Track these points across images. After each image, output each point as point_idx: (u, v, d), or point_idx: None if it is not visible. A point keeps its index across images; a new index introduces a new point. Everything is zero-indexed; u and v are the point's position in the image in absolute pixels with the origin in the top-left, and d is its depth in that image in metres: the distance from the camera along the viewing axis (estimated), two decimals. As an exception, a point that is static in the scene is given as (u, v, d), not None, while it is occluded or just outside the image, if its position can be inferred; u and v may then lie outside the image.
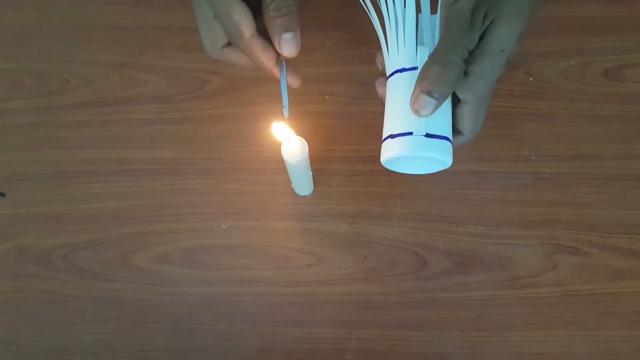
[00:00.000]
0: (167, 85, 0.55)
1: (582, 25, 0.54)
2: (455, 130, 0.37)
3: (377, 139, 0.52)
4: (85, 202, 0.51)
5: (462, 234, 0.48)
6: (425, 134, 0.33)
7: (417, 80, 0.33)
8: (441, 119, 0.34)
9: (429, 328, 0.46)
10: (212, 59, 0.40)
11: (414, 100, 0.32)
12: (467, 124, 0.36)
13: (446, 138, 0.34)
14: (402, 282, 0.47)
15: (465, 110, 0.36)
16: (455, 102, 0.36)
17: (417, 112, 0.33)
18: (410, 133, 0.34)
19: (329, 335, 0.46)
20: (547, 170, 0.50)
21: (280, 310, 0.47)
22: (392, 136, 0.35)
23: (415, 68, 0.35)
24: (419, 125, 0.33)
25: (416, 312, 0.46)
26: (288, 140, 0.40)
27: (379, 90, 0.39)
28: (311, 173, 0.47)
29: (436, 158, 0.34)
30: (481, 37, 0.32)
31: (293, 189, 0.50)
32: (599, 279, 0.46)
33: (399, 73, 0.36)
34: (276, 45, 0.34)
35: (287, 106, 0.36)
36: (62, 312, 0.48)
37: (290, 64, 0.38)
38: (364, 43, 0.55)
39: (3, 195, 0.52)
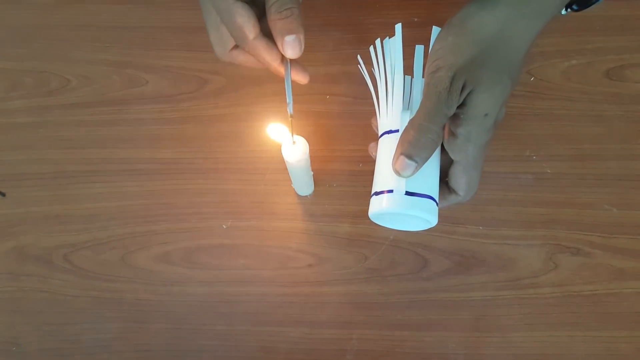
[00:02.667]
0: (168, 85, 0.55)
1: (584, 25, 0.54)
2: (451, 190, 0.39)
3: (377, 139, 0.52)
4: (86, 202, 0.51)
5: (463, 234, 0.48)
6: (405, 192, 0.34)
7: (398, 143, 0.34)
8: (424, 179, 0.35)
9: (430, 328, 0.46)
10: (215, 59, 0.40)
11: (395, 161, 0.34)
12: (461, 184, 0.37)
13: (429, 197, 0.35)
14: (403, 282, 0.47)
15: (458, 170, 0.37)
16: (449, 162, 0.37)
17: (397, 172, 0.34)
18: (391, 191, 0.35)
19: (330, 335, 0.46)
20: (549, 171, 0.50)
21: (281, 310, 0.47)
22: (376, 193, 0.36)
23: (397, 131, 0.37)
24: (399, 183, 0.35)
25: (417, 312, 0.46)
26: (285, 141, 0.40)
27: (372, 153, 0.41)
28: (312, 173, 0.47)
29: (416, 215, 0.35)
30: (464, 104, 0.33)
31: (294, 189, 0.50)
32: (600, 279, 0.46)
33: (387, 134, 0.38)
34: (279, 47, 0.34)
35: (291, 103, 0.37)
36: (62, 312, 0.48)
37: (297, 62, 0.38)
38: (365, 43, 0.55)
39: (3, 195, 0.52)
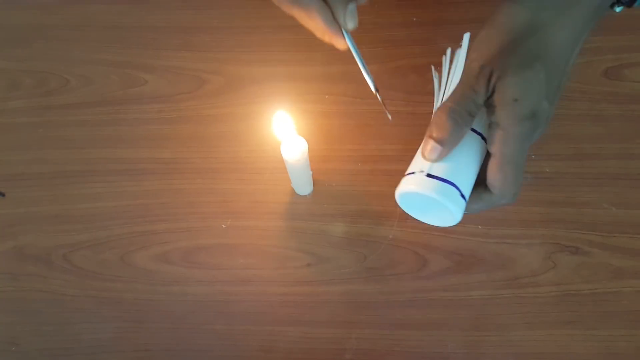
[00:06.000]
0: (167, 84, 0.55)
1: (582, 25, 0.54)
2: (486, 188, 0.37)
3: (376, 138, 0.52)
4: (85, 202, 0.51)
5: (462, 233, 0.48)
6: (426, 174, 0.35)
7: (428, 127, 0.35)
8: (453, 167, 0.35)
9: (429, 327, 0.46)
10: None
11: (423, 144, 0.35)
12: (493, 180, 0.36)
13: (451, 183, 0.34)
14: (402, 281, 0.47)
15: (492, 164, 0.35)
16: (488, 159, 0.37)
17: (423, 155, 0.35)
18: (413, 172, 0.36)
19: (329, 334, 0.46)
20: (547, 170, 0.50)
21: (280, 309, 0.47)
22: (403, 175, 0.37)
23: None
24: (423, 165, 0.35)
25: (416, 311, 0.46)
26: (286, 138, 0.40)
27: None
28: (311, 172, 0.47)
29: (434, 199, 0.34)
30: (494, 90, 0.34)
31: (293, 189, 0.50)
32: (599, 278, 0.46)
33: None
34: (340, 18, 0.34)
35: (371, 80, 0.37)
36: (61, 311, 0.48)
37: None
38: (364, 43, 0.55)
39: (3, 195, 0.52)
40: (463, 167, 0.35)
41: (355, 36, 0.56)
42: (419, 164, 0.36)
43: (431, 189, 0.34)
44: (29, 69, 0.57)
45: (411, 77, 0.54)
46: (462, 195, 0.35)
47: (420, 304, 0.46)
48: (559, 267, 0.47)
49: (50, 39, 0.58)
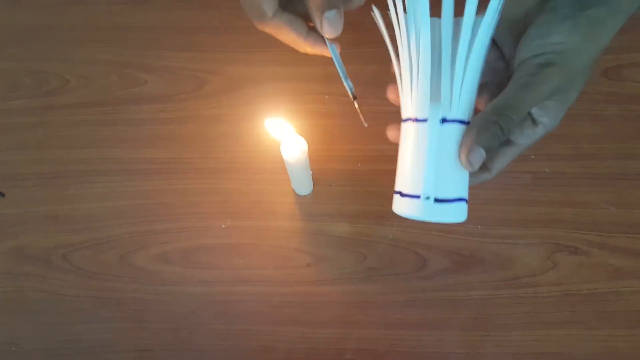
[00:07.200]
0: (167, 85, 0.55)
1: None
2: (484, 167, 0.36)
3: (376, 138, 0.52)
4: (85, 202, 0.51)
5: (461, 233, 0.48)
6: (434, 199, 0.31)
7: (471, 132, 0.31)
8: (455, 179, 0.32)
9: (429, 327, 0.46)
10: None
11: (468, 152, 0.31)
12: (499, 165, 0.36)
13: (459, 199, 0.32)
14: (402, 281, 0.47)
15: (510, 152, 0.35)
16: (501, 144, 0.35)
17: (468, 165, 0.31)
18: (418, 197, 0.32)
19: (329, 334, 0.46)
20: (547, 170, 0.50)
21: (280, 309, 0.47)
22: (402, 194, 0.33)
23: (425, 120, 0.32)
24: (428, 188, 0.31)
25: (416, 311, 0.46)
26: (284, 139, 0.40)
27: (391, 136, 0.37)
28: (311, 172, 0.47)
29: (446, 222, 0.33)
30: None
31: (293, 189, 0.50)
32: (598, 278, 0.46)
33: (414, 123, 0.33)
34: (318, 25, 0.32)
35: (351, 86, 0.36)
36: (61, 311, 0.48)
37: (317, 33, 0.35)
38: (364, 43, 0.55)
39: (3, 195, 0.52)
40: (463, 172, 0.33)
41: (355, 36, 0.57)
42: (419, 183, 0.32)
43: (445, 216, 0.32)
44: (29, 69, 0.57)
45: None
46: (466, 201, 0.34)
47: (419, 304, 0.46)
48: (558, 267, 0.47)
49: (50, 39, 0.58)
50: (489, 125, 0.31)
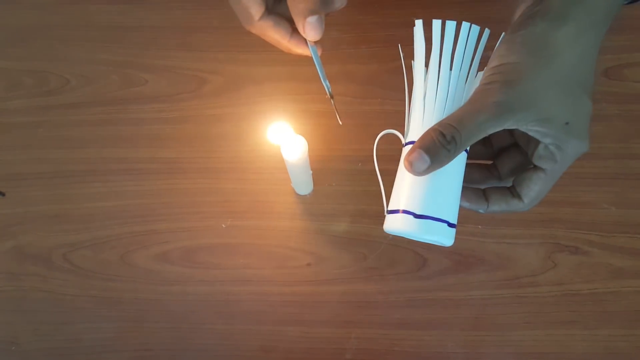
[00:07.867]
0: (167, 84, 0.55)
1: (582, 25, 0.54)
2: (515, 195, 0.35)
3: (376, 138, 0.52)
4: (85, 202, 0.51)
5: (461, 233, 0.48)
6: (416, 214, 0.32)
7: (421, 137, 0.31)
8: (440, 200, 0.33)
9: (429, 327, 0.46)
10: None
11: (409, 154, 0.31)
12: (531, 191, 0.34)
13: (442, 220, 0.33)
14: (402, 281, 0.47)
15: (537, 177, 0.34)
16: (519, 163, 0.36)
17: (409, 164, 0.31)
18: (405, 211, 0.33)
19: (329, 334, 0.46)
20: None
21: (280, 309, 0.47)
22: (390, 211, 0.34)
23: (412, 143, 0.33)
24: (411, 204, 0.32)
25: (416, 311, 0.46)
26: (285, 142, 0.40)
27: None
28: (311, 172, 0.47)
29: (427, 239, 0.34)
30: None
31: (293, 189, 0.50)
32: (598, 278, 0.46)
33: (404, 146, 0.35)
34: (300, 29, 0.34)
35: (328, 86, 0.37)
36: (61, 311, 0.48)
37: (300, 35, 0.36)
38: (364, 42, 0.55)
39: (3, 194, 0.52)
40: (452, 197, 0.34)
41: (355, 36, 0.57)
42: (404, 199, 0.33)
43: (426, 232, 0.32)
44: (29, 69, 0.57)
45: (411, 77, 0.54)
46: (452, 225, 0.34)
47: (420, 304, 0.46)
48: (558, 267, 0.47)
49: (50, 39, 0.58)
50: (430, 132, 0.31)
